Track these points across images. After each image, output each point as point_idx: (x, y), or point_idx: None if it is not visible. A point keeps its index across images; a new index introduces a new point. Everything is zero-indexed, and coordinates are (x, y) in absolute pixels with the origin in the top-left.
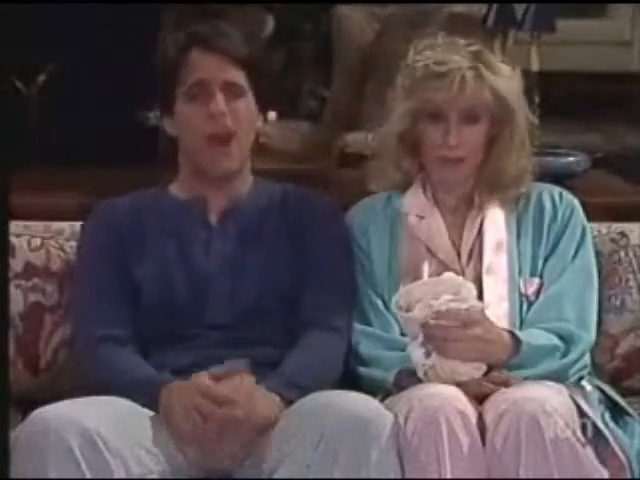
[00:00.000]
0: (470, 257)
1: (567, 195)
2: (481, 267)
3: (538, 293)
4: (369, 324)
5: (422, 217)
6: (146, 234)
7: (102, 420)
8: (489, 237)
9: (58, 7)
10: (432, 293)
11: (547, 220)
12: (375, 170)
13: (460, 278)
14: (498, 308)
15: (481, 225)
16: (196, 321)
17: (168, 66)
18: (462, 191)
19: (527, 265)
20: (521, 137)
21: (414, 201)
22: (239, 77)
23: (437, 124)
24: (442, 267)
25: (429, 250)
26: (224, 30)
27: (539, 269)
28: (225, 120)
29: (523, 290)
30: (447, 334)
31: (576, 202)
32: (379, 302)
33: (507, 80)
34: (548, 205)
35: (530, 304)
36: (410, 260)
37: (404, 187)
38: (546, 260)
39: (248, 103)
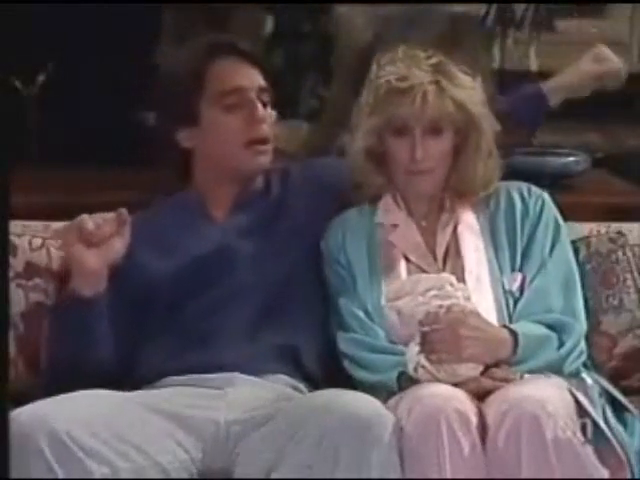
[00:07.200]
0: (446, 260)
1: (535, 190)
2: (459, 269)
3: (522, 288)
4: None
5: (396, 225)
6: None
7: (74, 419)
8: (465, 241)
9: (58, 7)
10: (422, 288)
11: (519, 215)
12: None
13: (449, 276)
14: (485, 309)
15: (455, 228)
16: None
17: (189, 78)
18: (432, 198)
19: (506, 262)
20: (488, 144)
21: (387, 211)
22: (264, 81)
23: (402, 139)
24: (420, 272)
25: (406, 257)
26: (236, 37)
27: (519, 263)
28: (265, 126)
29: (507, 287)
30: (435, 337)
31: (545, 195)
32: (361, 313)
33: (468, 90)
34: (518, 201)
35: (516, 300)
36: (389, 268)
37: (377, 197)
38: (524, 254)
39: (271, 106)
